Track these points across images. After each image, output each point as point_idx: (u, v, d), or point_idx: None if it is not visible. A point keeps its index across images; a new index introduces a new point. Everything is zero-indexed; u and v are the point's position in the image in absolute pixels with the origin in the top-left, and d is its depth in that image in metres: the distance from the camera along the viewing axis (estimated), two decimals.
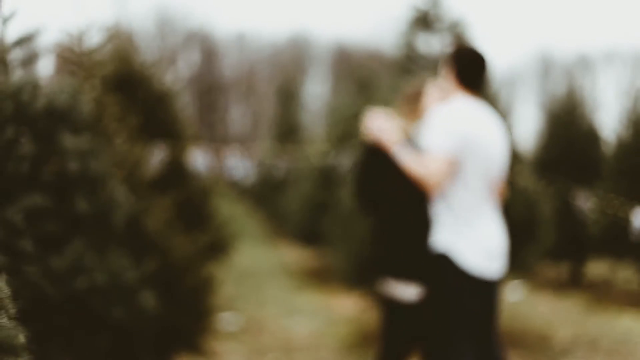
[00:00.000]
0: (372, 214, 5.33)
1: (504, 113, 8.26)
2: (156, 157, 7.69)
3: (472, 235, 5.24)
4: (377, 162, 5.07)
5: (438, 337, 5.10)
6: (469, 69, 5.40)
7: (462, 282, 5.17)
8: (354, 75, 17.49)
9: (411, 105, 5.22)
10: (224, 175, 7.99)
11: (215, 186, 11.34)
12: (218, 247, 10.49)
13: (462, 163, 5.11)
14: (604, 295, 11.96)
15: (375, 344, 5.29)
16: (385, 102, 9.84)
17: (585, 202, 8.23)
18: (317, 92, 67.22)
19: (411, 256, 5.03)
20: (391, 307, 5.06)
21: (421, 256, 5.02)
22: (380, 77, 18.23)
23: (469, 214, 5.28)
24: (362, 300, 10.71)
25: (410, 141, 5.20)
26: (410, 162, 5.03)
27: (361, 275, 9.40)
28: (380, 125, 5.03)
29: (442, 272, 5.10)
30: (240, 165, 7.73)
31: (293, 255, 19.59)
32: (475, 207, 5.27)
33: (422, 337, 5.19)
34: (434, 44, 9.29)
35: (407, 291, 4.97)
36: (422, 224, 5.07)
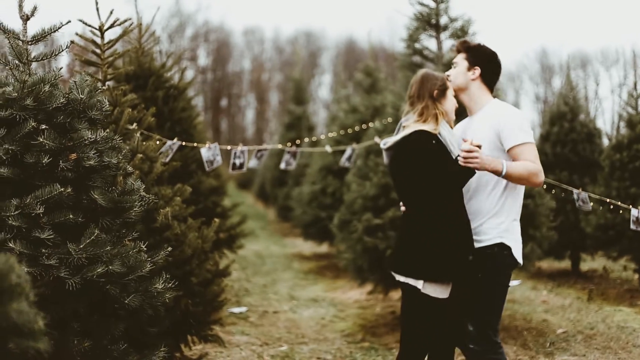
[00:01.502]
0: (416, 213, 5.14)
1: None
2: (170, 151, 7.79)
3: (518, 228, 5.41)
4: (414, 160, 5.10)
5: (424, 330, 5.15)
6: (496, 72, 5.61)
7: (510, 272, 5.35)
8: (362, 71, 17.49)
9: (438, 102, 5.21)
10: (234, 168, 7.98)
11: (226, 180, 11.43)
12: (230, 239, 10.59)
13: None
14: (600, 290, 12.01)
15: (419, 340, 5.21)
16: (394, 97, 9.95)
17: (584, 200, 8.27)
18: (326, 86, 67.02)
19: (443, 257, 5.00)
20: (425, 302, 5.03)
21: (454, 257, 5.01)
22: (385, 71, 18.29)
23: (519, 206, 5.46)
24: (368, 292, 10.81)
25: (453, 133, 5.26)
26: (521, 168, 5.14)
27: (369, 269, 9.51)
28: (477, 155, 5.00)
29: (498, 261, 5.23)
30: (243, 159, 7.74)
31: (301, 248, 19.64)
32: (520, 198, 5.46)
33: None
34: (437, 42, 9.37)
35: (443, 291, 4.99)
36: (455, 223, 5.08)
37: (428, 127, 5.12)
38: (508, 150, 5.26)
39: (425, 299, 5.03)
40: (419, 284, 5.01)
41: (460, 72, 5.54)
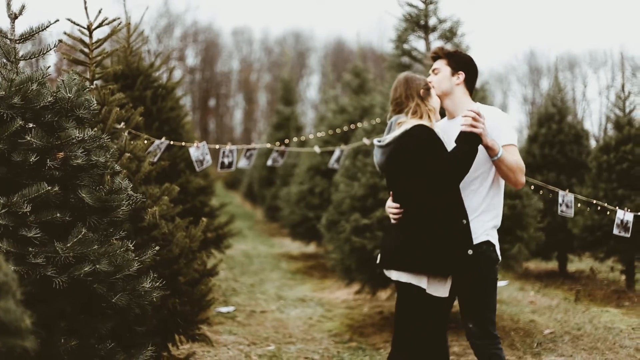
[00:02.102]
0: (410, 209, 5.15)
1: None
2: (158, 150, 7.78)
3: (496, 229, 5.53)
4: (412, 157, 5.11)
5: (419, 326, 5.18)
6: (476, 76, 5.70)
7: (496, 267, 5.45)
8: (351, 71, 17.52)
9: (426, 101, 5.26)
10: (223, 167, 7.98)
11: (214, 180, 11.43)
12: (217, 239, 10.59)
13: None
14: (587, 291, 12.06)
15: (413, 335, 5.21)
16: (383, 98, 9.97)
17: (568, 204, 8.29)
18: (314, 87, 67.06)
19: (447, 252, 5.03)
20: (426, 301, 5.06)
21: (456, 251, 5.04)
22: (374, 72, 18.32)
23: (502, 206, 5.53)
24: (355, 292, 10.82)
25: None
26: (513, 160, 5.21)
27: (357, 268, 9.51)
28: (485, 124, 5.06)
29: (487, 258, 5.29)
30: (231, 158, 7.72)
31: (288, 248, 19.65)
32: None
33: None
34: (426, 43, 9.39)
35: (442, 288, 5.03)
36: (456, 218, 5.10)
37: (426, 122, 5.16)
38: None
39: (427, 298, 5.04)
40: (423, 282, 5.02)
41: (445, 78, 5.56)
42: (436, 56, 5.72)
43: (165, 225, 6.07)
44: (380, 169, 5.38)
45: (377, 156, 5.36)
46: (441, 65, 5.65)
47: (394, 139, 5.13)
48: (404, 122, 5.18)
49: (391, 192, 5.38)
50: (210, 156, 8.24)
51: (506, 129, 5.41)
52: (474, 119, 5.03)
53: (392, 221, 5.28)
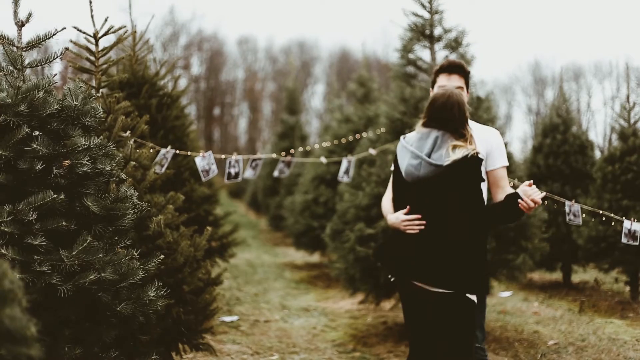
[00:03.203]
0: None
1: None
2: (165, 160, 7.79)
3: None
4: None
5: (468, 335, 5.22)
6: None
7: None
8: (356, 80, 17.54)
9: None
10: (230, 178, 7.97)
11: (219, 189, 11.43)
12: (222, 247, 10.59)
13: None
14: (591, 302, 12.03)
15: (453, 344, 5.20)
16: (388, 108, 9.97)
17: (575, 214, 8.29)
18: (319, 96, 67.16)
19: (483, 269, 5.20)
20: (462, 306, 5.10)
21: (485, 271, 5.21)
22: (379, 82, 18.33)
23: None
24: (359, 301, 10.81)
25: None
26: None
27: (361, 278, 9.50)
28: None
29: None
30: (238, 168, 7.72)
31: (293, 257, 19.64)
32: None
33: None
34: (431, 52, 9.40)
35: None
36: (486, 240, 5.30)
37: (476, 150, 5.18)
38: (492, 171, 5.60)
39: (464, 302, 5.10)
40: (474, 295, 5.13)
41: (464, 96, 5.60)
42: (457, 69, 5.75)
43: (170, 234, 6.07)
44: (415, 180, 5.21)
45: (415, 167, 5.19)
46: (461, 83, 5.73)
47: (455, 161, 5.08)
48: (461, 147, 5.12)
49: (411, 205, 5.28)
50: (215, 166, 8.24)
51: (503, 151, 5.69)
52: (535, 202, 5.11)
53: (411, 231, 5.19)
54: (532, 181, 5.22)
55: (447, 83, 5.78)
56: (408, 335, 5.44)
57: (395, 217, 5.31)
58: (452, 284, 5.06)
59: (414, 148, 5.19)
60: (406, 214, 5.25)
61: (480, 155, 5.15)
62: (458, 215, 5.11)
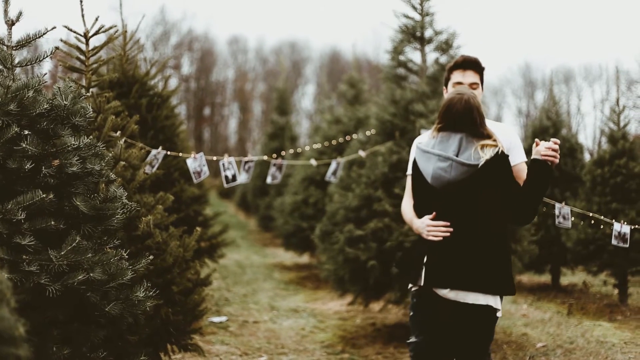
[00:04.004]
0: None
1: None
2: (156, 160, 7.78)
3: None
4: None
5: (489, 347, 5.24)
6: None
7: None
8: (346, 82, 17.56)
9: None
10: (228, 182, 7.96)
11: (208, 189, 11.42)
12: (211, 248, 10.58)
13: None
14: (580, 304, 12.06)
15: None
16: (378, 109, 9.97)
17: (565, 216, 8.31)
18: (309, 97, 67.20)
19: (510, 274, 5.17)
20: (490, 319, 5.10)
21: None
22: (369, 83, 18.35)
23: None
24: (348, 303, 10.81)
25: None
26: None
27: (350, 280, 9.50)
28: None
29: None
30: (233, 170, 7.68)
31: (282, 258, 19.64)
32: None
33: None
34: (422, 54, 9.41)
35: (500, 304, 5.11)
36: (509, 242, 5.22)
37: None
38: (514, 166, 5.44)
39: (490, 316, 5.10)
40: (498, 303, 5.09)
41: (479, 94, 5.59)
42: (472, 65, 5.70)
43: (159, 234, 6.06)
44: (445, 184, 5.07)
45: (445, 170, 5.06)
46: (476, 79, 5.66)
47: (488, 160, 5.05)
48: (490, 145, 5.08)
49: (437, 210, 5.16)
50: (206, 166, 8.22)
51: (522, 146, 5.63)
52: (555, 149, 5.08)
53: (433, 238, 5.07)
54: (537, 139, 5.21)
55: (463, 79, 5.64)
56: (414, 344, 5.38)
57: (421, 222, 5.20)
58: (490, 287, 5.04)
59: (438, 151, 5.08)
60: (432, 219, 5.14)
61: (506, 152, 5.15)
62: (498, 214, 5.09)
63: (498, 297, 5.07)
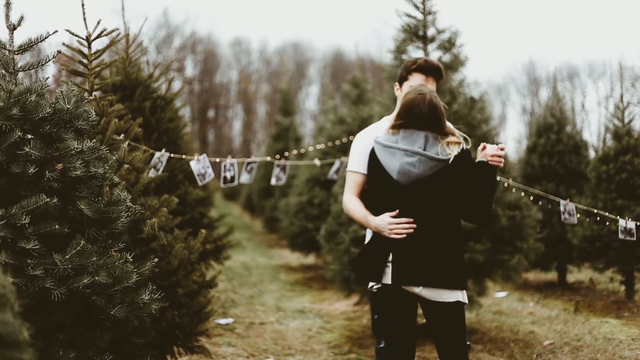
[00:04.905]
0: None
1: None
2: (160, 163, 7.78)
3: None
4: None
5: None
6: None
7: None
8: (350, 82, 17.55)
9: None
10: (226, 182, 7.94)
11: (213, 191, 11.42)
12: (216, 250, 10.58)
13: None
14: (587, 301, 12.04)
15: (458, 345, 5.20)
16: (381, 109, 9.96)
17: (570, 212, 8.31)
18: (313, 97, 67.19)
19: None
20: (462, 312, 5.13)
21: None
22: (372, 83, 18.34)
23: None
24: (355, 303, 10.81)
25: None
26: None
27: (356, 280, 9.49)
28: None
29: None
30: (233, 171, 7.68)
31: (288, 259, 19.63)
32: None
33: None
34: (425, 53, 9.40)
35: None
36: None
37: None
38: None
39: (463, 310, 5.15)
40: (465, 297, 5.12)
41: None
42: (435, 72, 5.69)
43: (164, 237, 6.05)
44: (412, 179, 5.07)
45: (413, 165, 5.04)
46: (434, 87, 5.66)
47: (456, 156, 5.06)
48: (455, 143, 5.11)
49: (400, 207, 5.12)
50: (210, 168, 8.21)
51: None
52: (501, 155, 5.16)
53: (396, 236, 5.05)
54: (483, 144, 5.20)
55: (422, 84, 5.62)
56: (383, 343, 5.35)
57: (381, 219, 5.14)
58: (459, 283, 5.07)
59: (404, 145, 5.06)
60: (394, 217, 5.10)
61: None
62: (456, 211, 5.11)
63: (465, 292, 5.12)
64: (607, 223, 10.85)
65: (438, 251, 5.04)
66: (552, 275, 14.84)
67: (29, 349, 2.71)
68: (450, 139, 5.10)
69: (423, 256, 5.04)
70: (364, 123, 14.37)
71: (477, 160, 5.16)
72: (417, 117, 5.09)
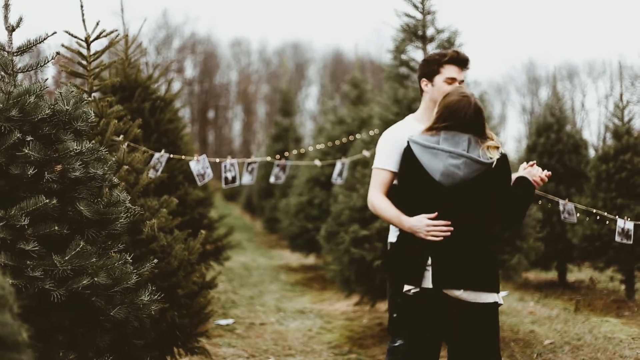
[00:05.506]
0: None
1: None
2: (159, 164, 7.78)
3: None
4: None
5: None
6: None
7: None
8: (349, 82, 17.54)
9: None
10: (227, 183, 7.96)
11: (213, 192, 11.42)
12: (216, 251, 10.57)
13: None
14: (587, 301, 12.04)
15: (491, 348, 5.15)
16: (381, 109, 9.97)
17: (570, 212, 8.32)
18: (313, 98, 67.20)
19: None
20: (497, 315, 5.11)
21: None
22: (372, 83, 18.34)
23: None
24: (355, 303, 10.80)
25: None
26: None
27: (356, 280, 9.49)
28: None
29: None
30: (234, 172, 7.69)
31: (288, 259, 19.63)
32: None
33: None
34: (424, 53, 9.40)
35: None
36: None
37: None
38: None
39: (497, 311, 5.15)
40: (499, 297, 5.11)
41: None
42: (467, 64, 5.59)
43: (163, 238, 6.06)
44: (456, 181, 5.01)
45: (458, 167, 4.98)
46: (464, 76, 5.58)
47: (498, 160, 5.03)
48: (495, 147, 5.07)
49: (439, 209, 5.06)
50: (210, 169, 8.21)
51: None
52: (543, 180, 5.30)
53: (433, 238, 4.99)
54: (533, 162, 5.25)
55: (458, 77, 5.55)
56: (400, 347, 5.36)
57: (417, 220, 5.05)
58: (497, 284, 5.08)
59: (449, 147, 5.01)
60: (432, 219, 5.02)
61: None
62: (492, 214, 5.10)
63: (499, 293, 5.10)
64: (607, 222, 10.85)
65: (477, 254, 5.02)
66: (552, 275, 14.83)
67: (28, 350, 2.72)
68: (490, 143, 5.06)
69: (463, 259, 4.99)
70: (364, 123, 14.38)
71: (519, 174, 5.19)
72: (462, 120, 5.05)
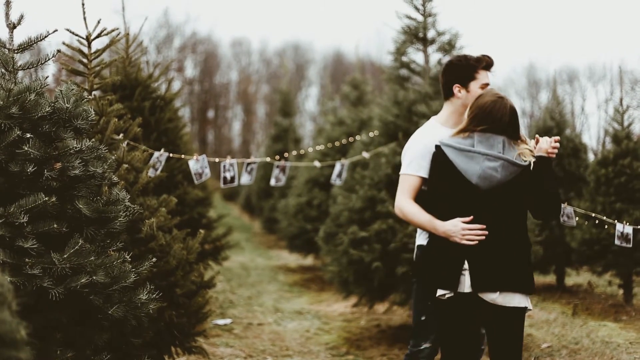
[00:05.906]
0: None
1: None
2: (159, 163, 7.78)
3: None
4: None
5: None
6: None
7: None
8: (349, 83, 17.55)
9: None
10: (226, 182, 7.95)
11: (212, 192, 11.41)
12: (215, 250, 10.57)
13: None
14: (585, 305, 12.03)
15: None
16: (381, 110, 9.97)
17: (569, 215, 8.32)
18: (313, 99, 67.21)
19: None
20: (523, 319, 5.15)
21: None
22: (372, 84, 18.34)
23: None
24: (353, 304, 10.80)
25: None
26: None
27: (354, 281, 9.49)
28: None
29: None
30: (233, 172, 7.70)
31: (286, 260, 19.63)
32: None
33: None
34: (425, 55, 9.40)
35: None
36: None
37: None
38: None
39: (524, 317, 5.15)
40: (529, 301, 5.10)
41: None
42: (491, 67, 5.56)
43: (162, 237, 6.05)
44: (494, 184, 4.98)
45: (495, 169, 4.95)
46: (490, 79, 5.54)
47: (531, 163, 5.03)
48: (528, 151, 5.07)
49: (475, 211, 5.02)
50: (210, 169, 8.21)
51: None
52: (556, 147, 5.23)
53: (468, 242, 4.94)
54: (537, 136, 5.22)
55: (489, 82, 5.51)
56: (425, 345, 5.37)
57: (452, 224, 5.00)
58: (532, 287, 5.09)
59: (485, 150, 4.97)
60: (467, 222, 4.98)
61: None
62: (526, 216, 5.15)
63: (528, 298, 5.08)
64: (606, 226, 10.85)
65: (513, 256, 5.01)
66: (550, 278, 14.82)
67: (27, 347, 2.72)
68: (523, 145, 5.07)
69: (500, 262, 4.97)
70: (364, 125, 14.39)
71: (536, 155, 5.11)
72: (498, 122, 5.02)
